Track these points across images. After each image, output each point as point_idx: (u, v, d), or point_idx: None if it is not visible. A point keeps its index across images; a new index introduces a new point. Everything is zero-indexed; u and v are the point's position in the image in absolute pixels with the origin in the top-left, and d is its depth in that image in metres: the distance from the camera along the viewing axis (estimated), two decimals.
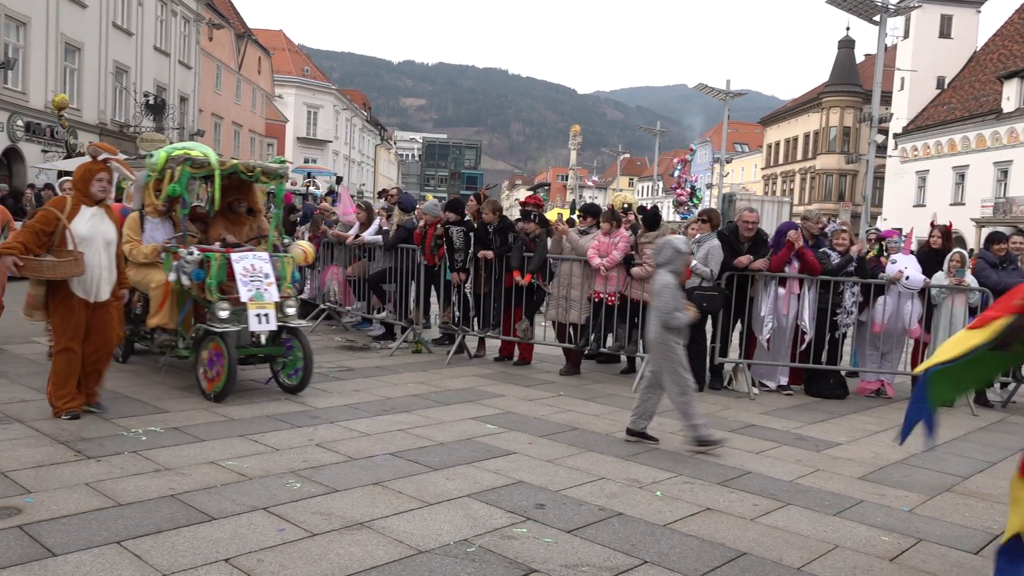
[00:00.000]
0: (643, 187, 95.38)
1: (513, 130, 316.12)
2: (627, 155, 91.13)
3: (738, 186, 59.99)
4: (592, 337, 8.58)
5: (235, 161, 7.35)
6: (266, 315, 6.71)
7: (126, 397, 6.52)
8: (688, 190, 36.65)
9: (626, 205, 11.47)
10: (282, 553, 3.70)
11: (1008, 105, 37.46)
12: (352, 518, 4.17)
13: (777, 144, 63.47)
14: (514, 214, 12.55)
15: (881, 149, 36.36)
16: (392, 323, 10.34)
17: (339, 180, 43.01)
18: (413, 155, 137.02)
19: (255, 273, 6.82)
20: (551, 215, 13.98)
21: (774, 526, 4.42)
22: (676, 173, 38.31)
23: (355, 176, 66.94)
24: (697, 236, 8.61)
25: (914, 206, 42.79)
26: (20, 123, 22.59)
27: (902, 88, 46.32)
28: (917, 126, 44.67)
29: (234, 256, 6.85)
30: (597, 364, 9.64)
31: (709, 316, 8.29)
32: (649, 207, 8.73)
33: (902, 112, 45.98)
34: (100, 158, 5.83)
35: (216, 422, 5.95)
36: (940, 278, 8.39)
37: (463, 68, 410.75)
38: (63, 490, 4.34)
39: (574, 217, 12.34)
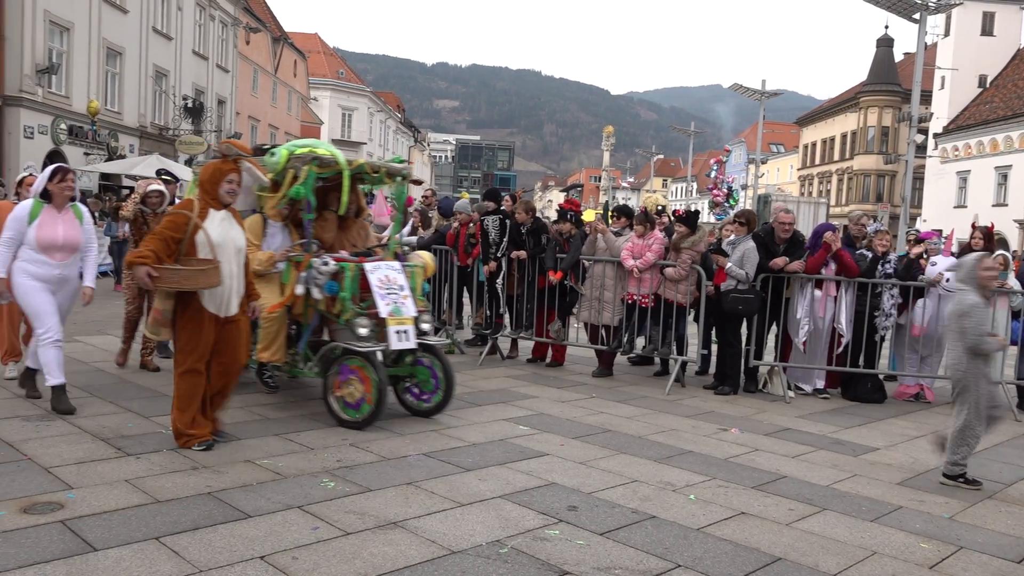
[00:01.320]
0: (677, 188, 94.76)
1: (546, 131, 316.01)
2: (661, 156, 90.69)
3: (773, 187, 59.34)
4: (625, 339, 8.54)
5: (361, 160, 6.77)
6: (405, 331, 6.05)
7: (164, 395, 6.62)
8: (725, 191, 36.38)
9: (659, 207, 11.40)
10: (316, 551, 3.74)
11: None
12: (385, 517, 4.20)
13: (813, 144, 62.67)
14: (547, 216, 12.55)
15: (921, 149, 35.72)
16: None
17: None
18: (446, 157, 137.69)
19: (390, 285, 6.21)
20: (587, 216, 13.94)
21: (810, 531, 4.37)
22: (712, 174, 38.05)
23: None
24: (732, 237, 8.54)
25: (954, 207, 41.99)
26: (63, 127, 23.09)
27: (942, 87, 45.47)
28: (958, 126, 43.82)
29: (368, 266, 6.23)
30: (630, 366, 9.60)
31: (744, 318, 8.22)
32: (682, 210, 8.62)
33: (942, 111, 45.12)
34: (231, 157, 5.32)
35: (252, 421, 6.02)
36: None
37: (496, 69, 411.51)
38: (104, 486, 4.42)
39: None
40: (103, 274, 16.34)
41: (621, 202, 45.19)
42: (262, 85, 42.58)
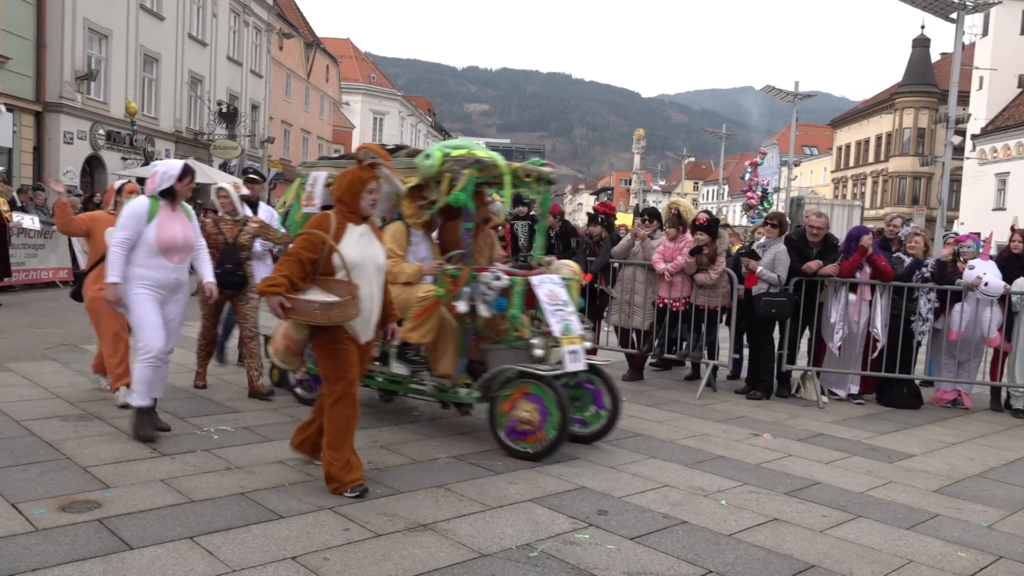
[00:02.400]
0: (708, 191, 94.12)
1: (576, 134, 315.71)
2: (692, 159, 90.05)
3: (807, 189, 58.72)
4: (656, 343, 8.49)
5: (516, 165, 6.19)
6: (576, 351, 5.50)
7: (199, 396, 6.72)
8: (759, 193, 36.11)
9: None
10: (347, 552, 3.76)
11: None
12: (416, 520, 4.21)
13: (848, 146, 61.88)
14: (577, 219, 12.53)
15: (958, 151, 35.14)
16: None
17: None
18: None
19: (556, 300, 5.66)
20: (624, 219, 13.87)
21: (844, 539, 4.31)
22: (747, 176, 37.78)
23: None
24: (763, 240, 8.46)
25: (993, 209, 41.19)
26: (102, 132, 23.53)
27: (980, 87, 44.65)
28: (997, 127, 42.99)
29: (534, 280, 5.68)
30: (660, 370, 9.54)
31: (777, 322, 8.13)
32: (703, 218, 8.39)
33: (980, 112, 44.30)
34: (367, 162, 4.69)
35: (285, 423, 6.08)
36: (1021, 284, 8.06)
37: (527, 73, 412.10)
38: (140, 486, 4.49)
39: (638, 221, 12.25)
40: None
41: (651, 205, 45.00)
42: (295, 90, 43.04)
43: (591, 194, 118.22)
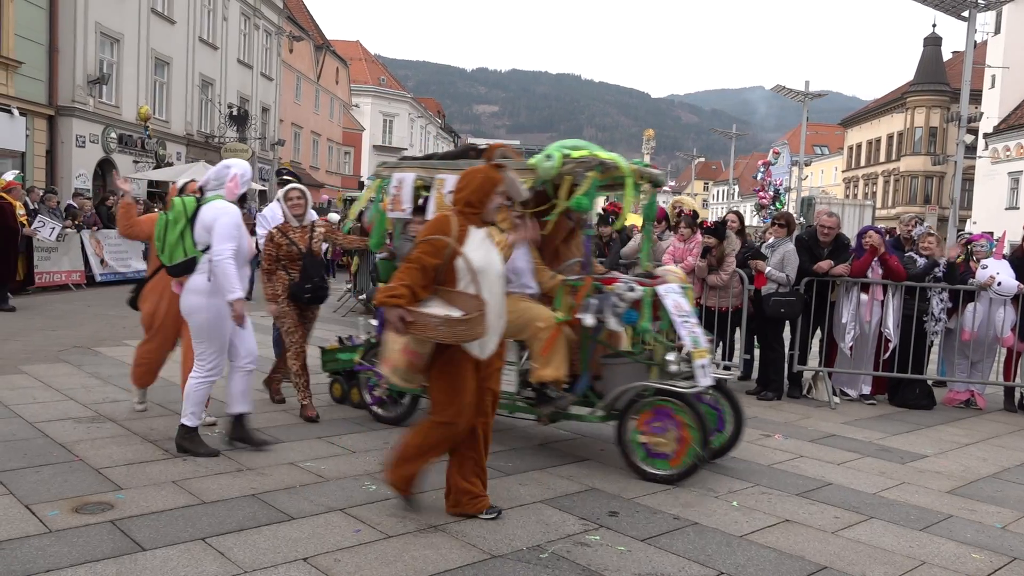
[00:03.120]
0: (718, 191, 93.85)
1: (586, 135, 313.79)
2: (702, 159, 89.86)
3: (818, 189, 58.45)
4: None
5: (634, 167, 5.70)
6: (704, 365, 5.16)
7: (211, 398, 6.73)
8: (771, 193, 35.99)
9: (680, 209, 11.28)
10: (358, 554, 3.77)
11: None
12: (427, 521, 4.22)
13: (859, 146, 61.59)
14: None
15: (970, 150, 34.91)
16: None
17: None
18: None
19: (682, 311, 5.30)
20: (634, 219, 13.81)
21: (856, 540, 4.28)
22: (759, 176, 37.67)
23: None
24: (771, 240, 8.42)
25: (1006, 208, 40.90)
26: (113, 135, 23.66)
27: (993, 86, 44.33)
28: (1009, 125, 42.67)
29: (660, 289, 5.32)
30: None
31: (787, 322, 8.10)
32: (709, 222, 8.37)
33: (993, 111, 43.95)
34: (496, 162, 4.33)
35: (295, 424, 6.10)
36: None
37: (536, 74, 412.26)
38: (152, 487, 4.51)
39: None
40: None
41: (661, 205, 44.93)
42: (305, 92, 43.18)
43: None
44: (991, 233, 10.76)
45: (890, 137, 56.11)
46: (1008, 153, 42.06)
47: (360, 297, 13.74)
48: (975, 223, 42.27)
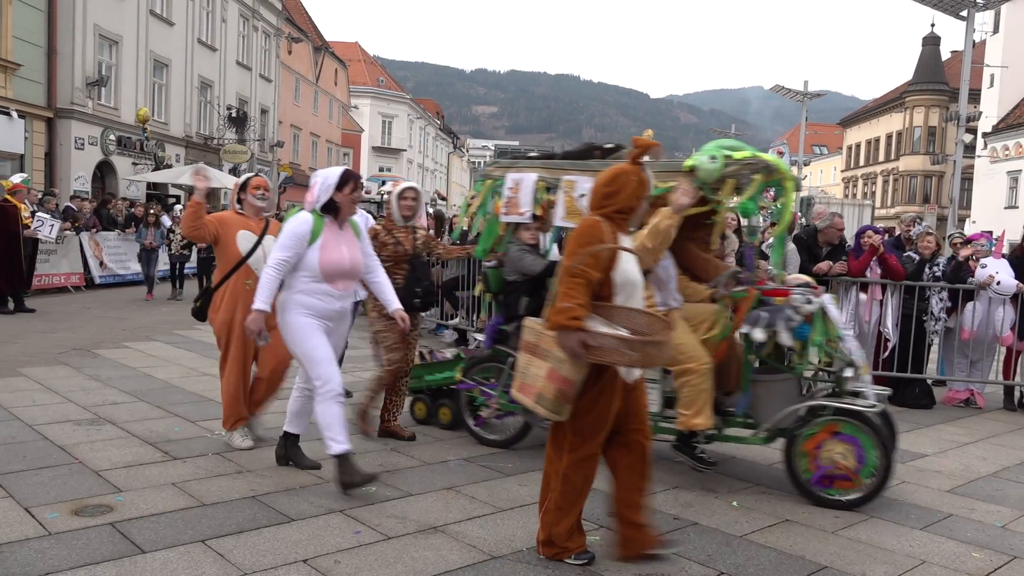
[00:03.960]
0: None
1: (585, 136, 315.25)
2: None
3: (817, 189, 58.48)
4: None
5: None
6: (870, 382, 4.92)
7: (209, 400, 6.74)
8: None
9: None
10: (358, 555, 3.77)
11: None
12: (426, 522, 4.22)
13: (858, 145, 61.63)
14: None
15: (969, 149, 34.93)
16: (465, 329, 10.43)
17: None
18: (485, 162, 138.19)
19: (842, 324, 4.98)
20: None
21: (856, 539, 4.28)
22: None
23: (428, 184, 67.88)
24: (770, 240, 8.42)
25: (1005, 208, 40.92)
26: (112, 137, 23.65)
27: (991, 85, 44.34)
28: (1008, 124, 42.69)
29: (826, 298, 4.96)
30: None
31: None
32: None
33: (992, 110, 43.95)
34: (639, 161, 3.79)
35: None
36: None
37: (535, 75, 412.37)
38: (151, 489, 4.51)
39: None
40: (134, 283, 16.66)
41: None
42: (304, 94, 43.20)
43: None
44: (990, 232, 10.77)
45: (889, 137, 56.15)
46: (1007, 152, 42.07)
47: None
48: (974, 222, 42.29)
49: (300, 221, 4.55)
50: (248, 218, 5.44)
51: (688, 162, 4.92)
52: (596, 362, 3.47)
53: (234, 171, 28.43)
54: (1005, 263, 8.21)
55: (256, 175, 5.68)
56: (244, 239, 5.34)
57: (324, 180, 4.62)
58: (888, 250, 7.93)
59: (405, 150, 62.49)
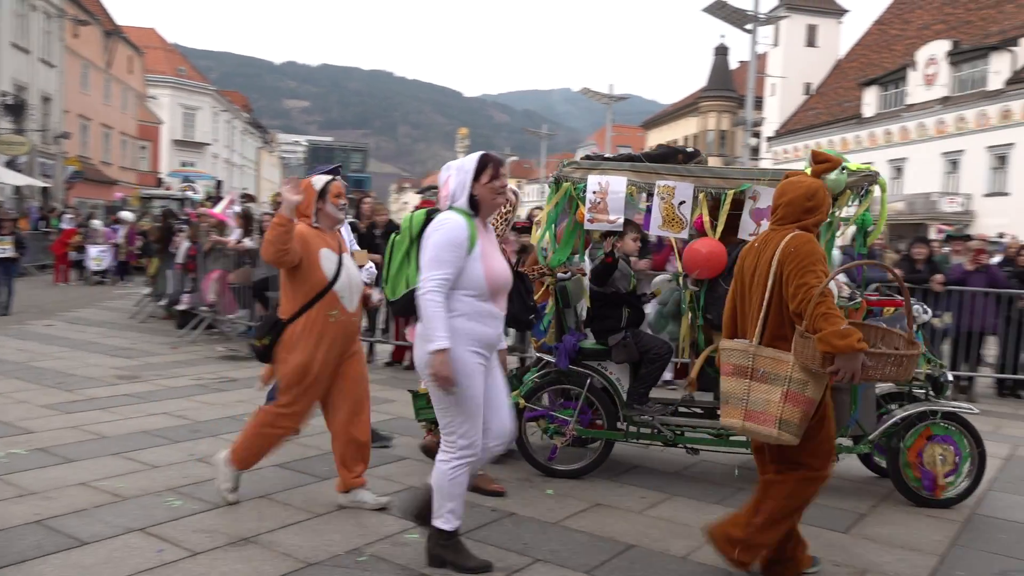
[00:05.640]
0: (531, 189, 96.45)
1: (400, 133, 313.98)
2: (515, 157, 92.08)
3: None
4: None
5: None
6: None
7: None
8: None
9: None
10: (161, 575, 3.53)
11: (868, 111, 39.97)
12: (237, 534, 4.02)
13: (659, 146, 65.43)
14: (401, 218, 12.43)
15: (755, 152, 38.11)
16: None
17: (219, 184, 41.61)
18: (297, 158, 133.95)
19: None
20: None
21: (660, 517, 4.55)
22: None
23: (237, 180, 64.81)
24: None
25: None
26: None
27: (773, 94, 48.68)
28: (788, 130, 47.03)
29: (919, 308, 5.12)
30: None
31: None
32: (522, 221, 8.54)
33: (774, 116, 48.32)
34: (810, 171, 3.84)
35: (86, 440, 5.62)
36: None
37: (348, 70, 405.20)
38: None
39: None
40: None
41: None
42: (93, 82, 39.85)
43: (417, 192, 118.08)
44: None
45: (686, 139, 60.02)
46: (787, 155, 46.30)
47: (160, 303, 12.87)
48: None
49: (454, 225, 3.51)
50: (324, 232, 4.40)
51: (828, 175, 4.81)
52: (864, 381, 3.50)
53: (11, 164, 25.79)
54: None
55: (334, 179, 4.53)
56: (327, 260, 4.33)
57: (460, 169, 3.66)
58: None
59: (210, 144, 59.26)
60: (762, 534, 3.58)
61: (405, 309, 3.86)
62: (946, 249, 10.06)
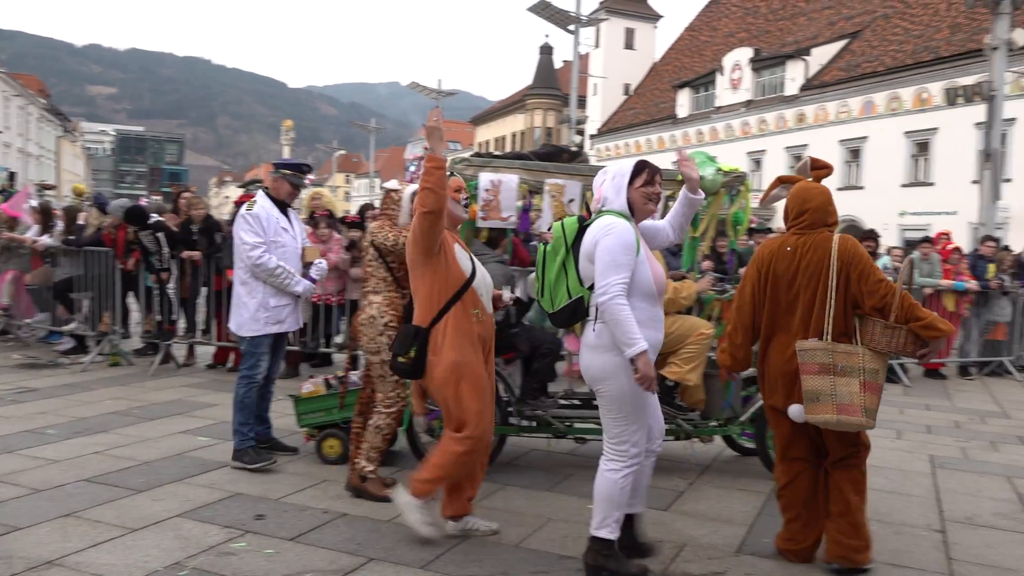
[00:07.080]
0: (360, 184, 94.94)
1: (220, 124, 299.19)
2: (342, 151, 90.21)
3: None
4: (310, 338, 8.37)
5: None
6: None
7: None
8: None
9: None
10: None
11: (681, 111, 42.41)
12: (39, 557, 3.69)
13: (488, 142, 66.25)
14: (223, 212, 11.86)
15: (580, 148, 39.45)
16: (83, 335, 9.30)
17: (12, 176, 37.98)
18: (104, 149, 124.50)
19: None
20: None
21: (494, 507, 4.61)
22: (412, 168, 38.82)
23: (33, 172, 59.36)
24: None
25: None
26: None
27: (595, 93, 50.58)
28: (609, 128, 49.05)
29: None
30: (311, 367, 9.39)
31: None
32: (352, 215, 8.45)
33: (596, 115, 50.21)
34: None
35: None
36: None
37: (160, 56, 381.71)
38: None
39: None
40: None
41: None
42: None
43: (239, 186, 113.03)
44: None
45: (514, 135, 61.23)
46: (609, 153, 48.28)
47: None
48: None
49: (624, 229, 3.47)
50: (450, 230, 4.11)
51: (705, 172, 5.15)
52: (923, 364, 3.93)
53: None
54: None
55: (452, 175, 4.32)
56: (463, 256, 4.04)
57: (617, 174, 3.64)
58: None
59: (1, 132, 53.89)
60: (850, 540, 3.80)
61: (568, 320, 3.74)
62: (752, 242, 10.79)
